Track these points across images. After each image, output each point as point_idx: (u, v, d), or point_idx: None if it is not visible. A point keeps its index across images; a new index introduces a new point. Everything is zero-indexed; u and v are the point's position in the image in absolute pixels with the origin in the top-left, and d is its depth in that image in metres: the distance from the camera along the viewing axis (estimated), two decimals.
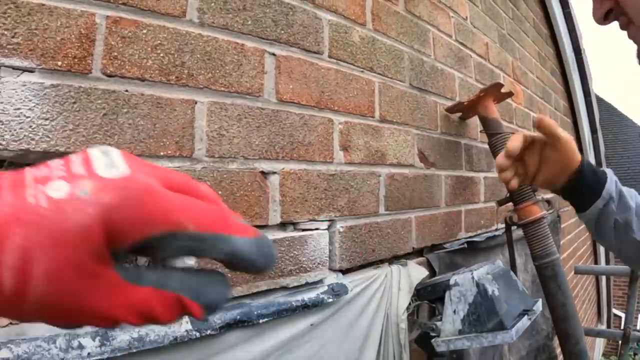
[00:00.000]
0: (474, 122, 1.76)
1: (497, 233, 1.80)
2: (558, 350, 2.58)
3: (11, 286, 0.24)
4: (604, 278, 5.04)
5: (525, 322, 1.16)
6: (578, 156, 0.94)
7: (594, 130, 3.94)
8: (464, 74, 1.75)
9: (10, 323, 0.62)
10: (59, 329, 0.63)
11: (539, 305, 1.30)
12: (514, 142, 0.90)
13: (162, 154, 0.75)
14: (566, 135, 0.92)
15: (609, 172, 0.96)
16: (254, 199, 0.87)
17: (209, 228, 0.29)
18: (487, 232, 1.77)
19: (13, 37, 0.61)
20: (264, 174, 0.90)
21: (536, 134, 0.94)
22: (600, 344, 6.09)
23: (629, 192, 0.95)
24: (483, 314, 1.11)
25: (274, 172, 0.92)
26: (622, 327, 2.84)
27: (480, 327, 1.10)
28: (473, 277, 1.14)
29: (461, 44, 1.76)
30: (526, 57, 2.63)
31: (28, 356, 0.59)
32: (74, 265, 0.26)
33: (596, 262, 4.71)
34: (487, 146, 1.84)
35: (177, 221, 0.28)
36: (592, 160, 4.04)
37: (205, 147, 0.81)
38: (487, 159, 1.85)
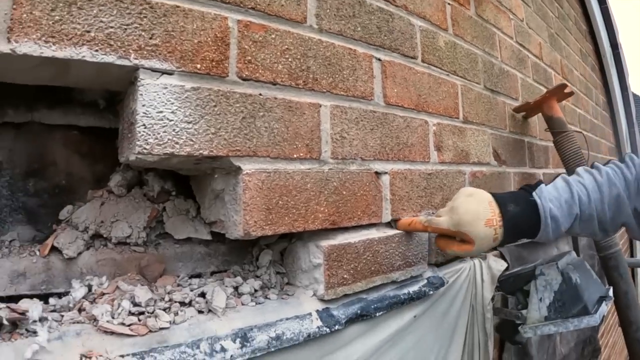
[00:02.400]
0: (534, 120, 1.62)
1: None
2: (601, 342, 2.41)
3: None
4: (639, 270, 4.54)
5: (604, 307, 1.07)
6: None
7: (630, 125, 3.62)
8: (524, 74, 1.61)
9: (150, 331, 0.52)
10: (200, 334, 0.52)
11: (611, 292, 1.20)
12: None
13: (295, 156, 0.67)
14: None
15: (542, 209, 0.74)
16: (371, 198, 0.79)
17: None
18: None
19: (151, 38, 0.54)
20: (378, 174, 0.81)
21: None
22: None
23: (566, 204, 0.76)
24: (568, 301, 1.03)
25: (385, 172, 0.83)
26: None
27: (565, 313, 1.02)
28: (558, 267, 1.05)
29: (521, 45, 1.62)
30: (571, 55, 2.43)
31: None
32: None
33: (632, 254, 4.15)
34: (545, 143, 1.70)
35: None
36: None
37: (330, 149, 0.73)
38: (544, 156, 1.71)
